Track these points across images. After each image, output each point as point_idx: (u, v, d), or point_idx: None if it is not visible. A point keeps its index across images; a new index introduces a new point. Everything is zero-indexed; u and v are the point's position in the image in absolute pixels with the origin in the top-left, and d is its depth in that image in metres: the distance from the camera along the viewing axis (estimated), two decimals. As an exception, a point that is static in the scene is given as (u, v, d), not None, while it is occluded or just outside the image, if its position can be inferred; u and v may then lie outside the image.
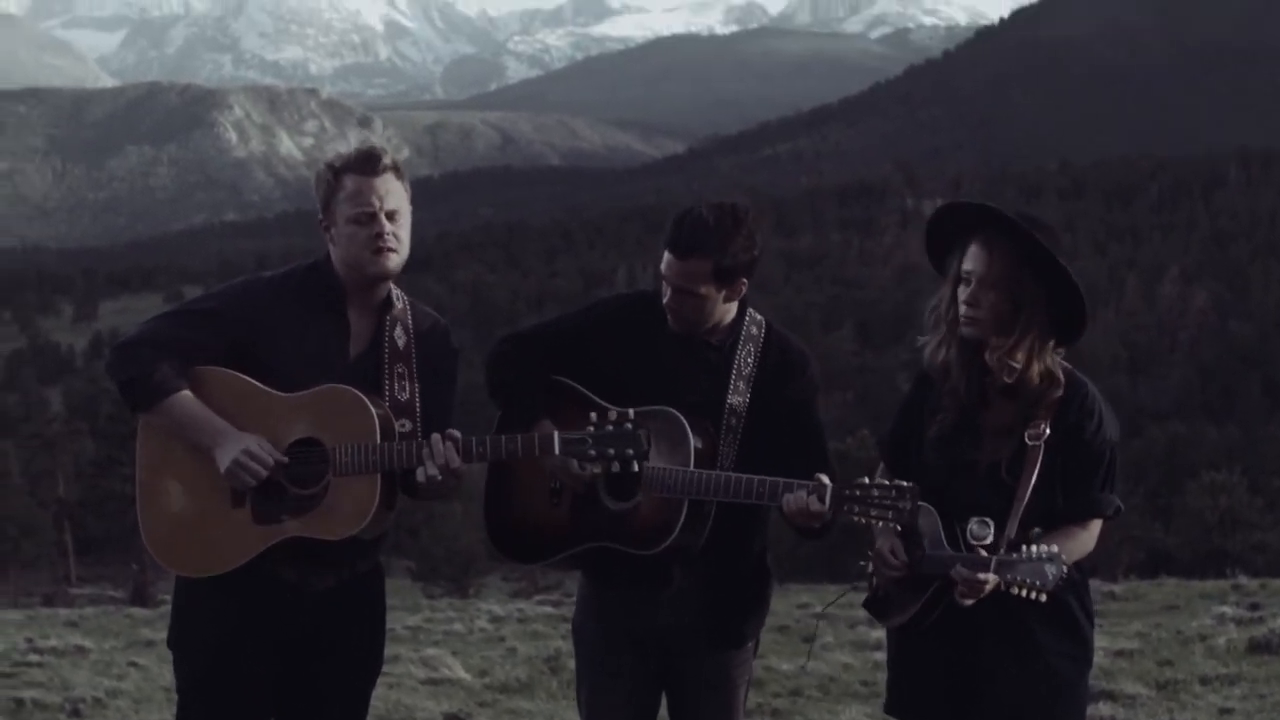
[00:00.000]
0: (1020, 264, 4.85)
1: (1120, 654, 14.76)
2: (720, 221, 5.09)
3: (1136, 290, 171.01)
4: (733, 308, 5.29)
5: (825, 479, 4.88)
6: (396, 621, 22.40)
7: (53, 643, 19.16)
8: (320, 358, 4.99)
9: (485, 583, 69.26)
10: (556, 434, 4.84)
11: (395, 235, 4.99)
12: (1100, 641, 15.13)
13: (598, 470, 4.89)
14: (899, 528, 4.86)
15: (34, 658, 17.32)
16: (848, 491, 4.83)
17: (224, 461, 4.84)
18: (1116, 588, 26.59)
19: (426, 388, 5.16)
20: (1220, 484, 71.33)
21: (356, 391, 4.91)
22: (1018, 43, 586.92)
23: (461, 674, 14.90)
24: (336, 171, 5.02)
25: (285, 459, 4.88)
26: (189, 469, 4.96)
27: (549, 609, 26.29)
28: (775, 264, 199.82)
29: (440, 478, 4.87)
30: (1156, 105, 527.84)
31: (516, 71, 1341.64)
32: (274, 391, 4.94)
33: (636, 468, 4.84)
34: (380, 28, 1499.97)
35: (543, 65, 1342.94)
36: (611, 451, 4.78)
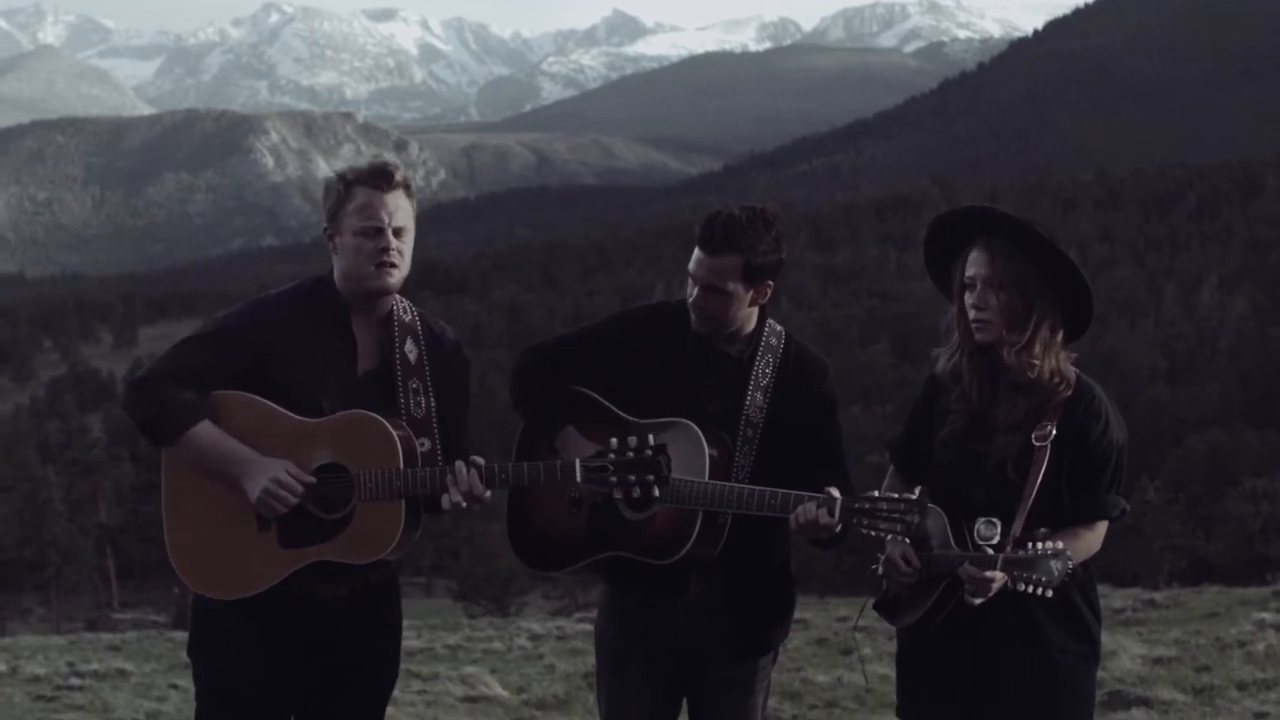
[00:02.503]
0: (1022, 259, 4.92)
1: (1158, 661, 14.73)
2: (751, 221, 5.20)
3: (1175, 299, 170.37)
4: (754, 314, 5.36)
5: (835, 492, 4.96)
6: (436, 640, 22.52)
7: (94, 666, 19.27)
8: (329, 373, 5.03)
9: (526, 601, 69.39)
10: (579, 463, 4.86)
11: (399, 252, 5.03)
12: (1138, 649, 15.14)
13: (619, 496, 4.93)
14: (907, 540, 4.92)
15: (75, 681, 17.44)
16: (856, 505, 4.91)
17: (254, 491, 4.88)
18: (1158, 595, 26.53)
19: (441, 402, 5.17)
20: (1262, 491, 71.16)
21: (379, 418, 4.94)
22: (1052, 54, 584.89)
23: (500, 691, 14.95)
24: (348, 183, 5.04)
25: (314, 481, 4.92)
26: (213, 495, 5.00)
27: (588, 626, 26.29)
28: (812, 278, 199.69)
29: (465, 505, 4.90)
30: (1193, 114, 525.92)
31: (551, 92, 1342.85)
32: (296, 416, 4.97)
33: (658, 493, 4.89)
34: (415, 51, 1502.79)
35: (577, 85, 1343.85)
36: (633, 478, 4.82)
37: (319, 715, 5.21)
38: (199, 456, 4.95)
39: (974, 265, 4.97)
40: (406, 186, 5.08)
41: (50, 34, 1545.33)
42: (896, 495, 4.89)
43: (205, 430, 4.93)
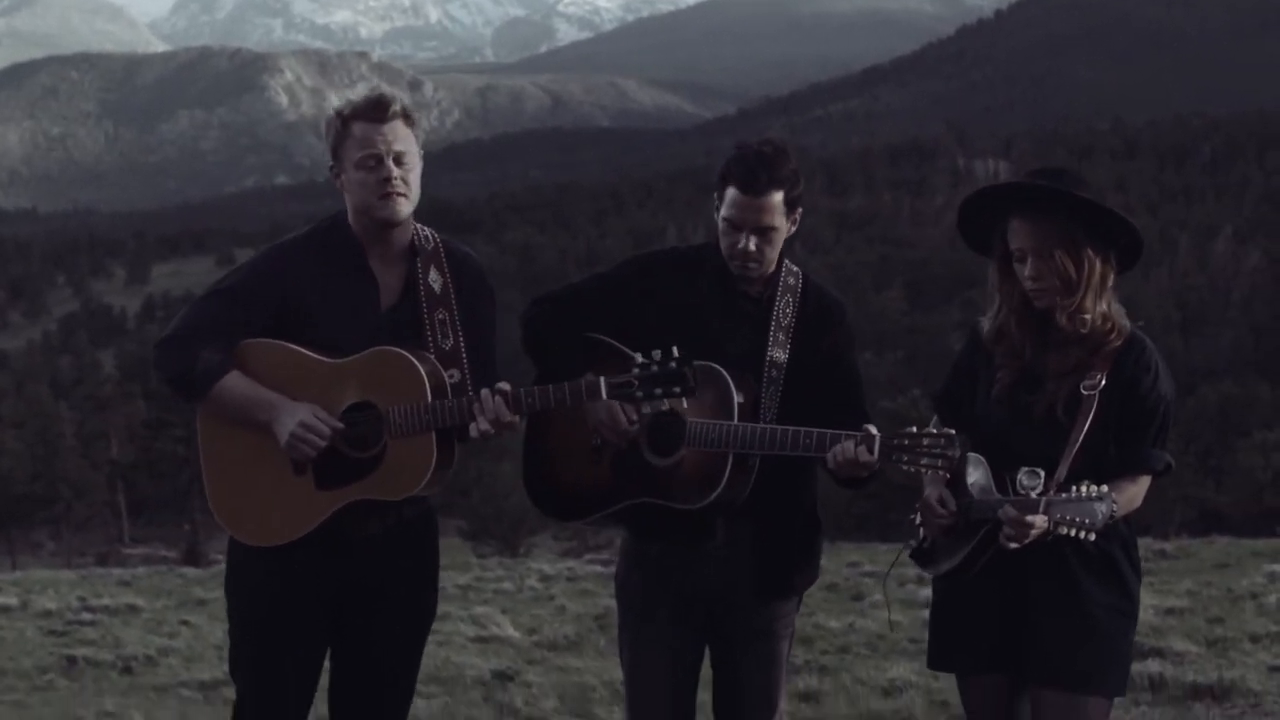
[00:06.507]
0: (1068, 222, 4.83)
1: (1170, 612, 14.72)
2: (779, 154, 5.11)
3: (1189, 250, 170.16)
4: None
5: (873, 429, 4.84)
6: (447, 580, 22.53)
7: (105, 601, 19.35)
8: (352, 314, 4.98)
9: (535, 542, 69.56)
10: (603, 380, 4.77)
11: (404, 180, 4.95)
12: (1150, 599, 15.10)
13: (647, 410, 4.87)
14: (947, 475, 4.85)
15: (87, 616, 17.51)
16: (895, 441, 4.79)
17: (283, 435, 4.86)
18: (1168, 546, 26.54)
19: (468, 331, 5.11)
20: (1272, 443, 71.18)
21: (403, 352, 4.88)
22: (1071, 2, 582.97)
23: (511, 632, 14.97)
24: (345, 119, 4.98)
25: (341, 425, 4.88)
26: (248, 443, 4.98)
27: (598, 568, 26.37)
28: (826, 224, 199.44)
29: (493, 432, 4.86)
30: (1210, 64, 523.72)
31: (566, 34, 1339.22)
32: (322, 358, 4.94)
33: (686, 404, 4.80)
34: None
35: (593, 27, 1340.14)
36: (659, 391, 4.72)
37: (355, 651, 5.19)
38: (229, 407, 4.95)
39: (1018, 237, 4.88)
40: (406, 116, 5.01)
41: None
42: (935, 430, 4.79)
43: (234, 380, 4.93)
